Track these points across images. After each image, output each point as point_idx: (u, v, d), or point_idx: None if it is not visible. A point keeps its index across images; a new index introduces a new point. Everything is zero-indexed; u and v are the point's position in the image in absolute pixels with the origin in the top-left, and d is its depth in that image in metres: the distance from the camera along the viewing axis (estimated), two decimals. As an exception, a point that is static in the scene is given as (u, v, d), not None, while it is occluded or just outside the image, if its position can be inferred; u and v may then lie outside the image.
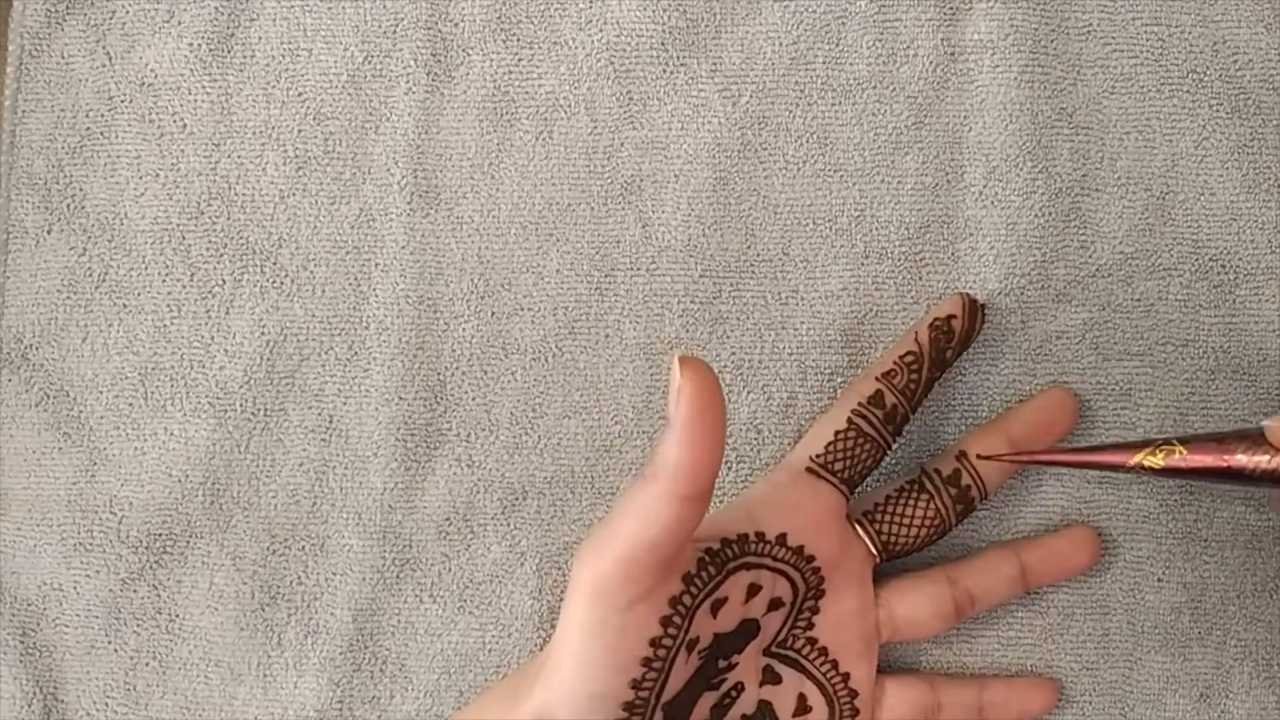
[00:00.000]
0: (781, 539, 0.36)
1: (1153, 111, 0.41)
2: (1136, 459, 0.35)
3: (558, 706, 0.33)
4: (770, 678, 0.37)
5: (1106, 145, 0.41)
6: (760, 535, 0.36)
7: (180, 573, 0.43)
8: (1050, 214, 0.41)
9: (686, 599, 0.34)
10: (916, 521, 0.38)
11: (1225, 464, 0.35)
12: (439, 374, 0.42)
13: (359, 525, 0.42)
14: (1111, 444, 0.36)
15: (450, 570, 0.42)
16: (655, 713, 0.34)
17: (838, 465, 0.38)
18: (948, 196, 0.42)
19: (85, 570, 0.43)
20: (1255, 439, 0.34)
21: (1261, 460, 0.34)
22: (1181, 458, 0.35)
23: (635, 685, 0.33)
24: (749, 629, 0.36)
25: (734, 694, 0.37)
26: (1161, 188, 0.41)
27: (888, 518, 0.38)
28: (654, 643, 0.33)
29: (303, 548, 0.42)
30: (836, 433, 0.38)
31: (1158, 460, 0.35)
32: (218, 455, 0.43)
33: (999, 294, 0.41)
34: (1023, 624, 0.41)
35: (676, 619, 0.34)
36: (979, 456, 0.38)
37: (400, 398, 0.42)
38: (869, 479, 0.41)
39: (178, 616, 0.43)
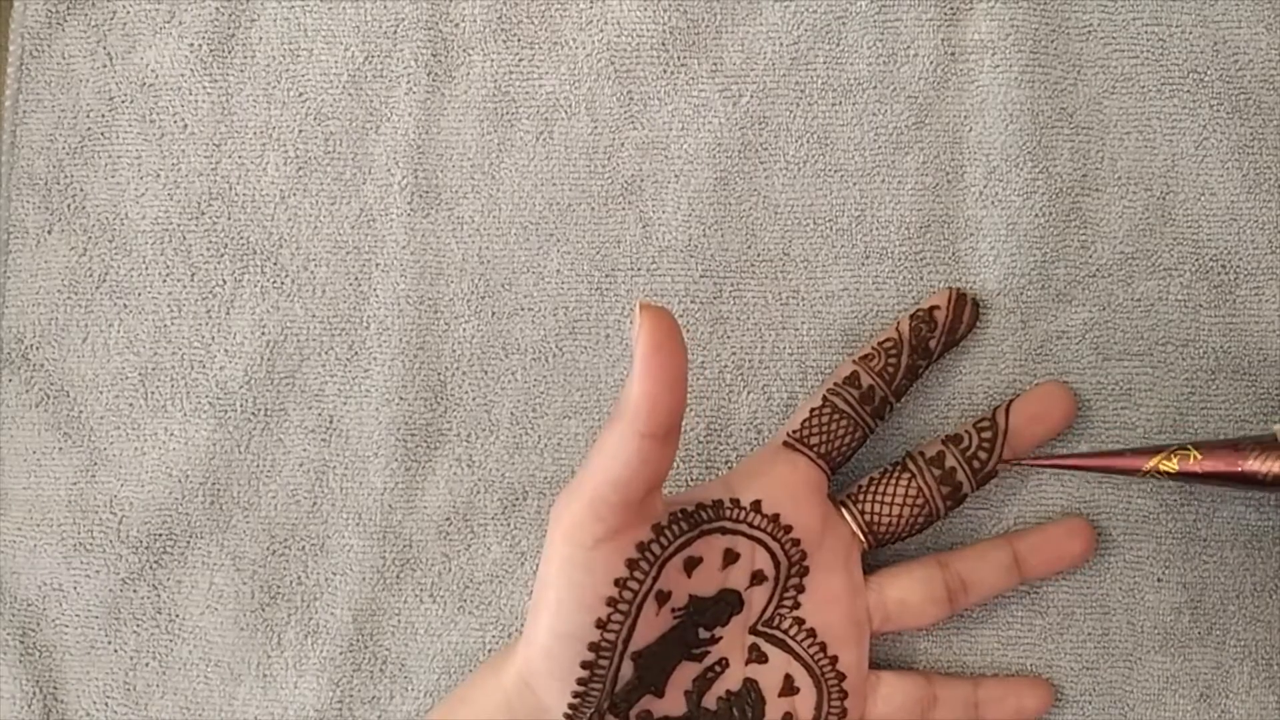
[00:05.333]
0: (756, 505, 0.37)
1: (1153, 111, 0.41)
2: (1152, 463, 0.36)
3: (536, 658, 0.35)
4: (757, 656, 0.38)
5: (1106, 145, 0.41)
6: (735, 501, 0.37)
7: (180, 573, 0.43)
8: (1050, 214, 0.41)
9: (655, 548, 0.35)
10: (898, 500, 0.39)
11: (1238, 469, 0.35)
12: (439, 374, 0.42)
13: (359, 525, 0.42)
14: (1127, 449, 0.37)
15: (450, 570, 0.42)
16: (623, 660, 0.35)
17: (813, 440, 0.39)
18: (948, 196, 0.42)
19: (85, 570, 0.43)
20: (1268, 444, 0.35)
21: (1275, 466, 0.35)
22: (1196, 463, 0.36)
23: (601, 625, 0.34)
24: (730, 599, 0.37)
25: (718, 668, 0.37)
26: (1161, 188, 0.41)
27: (869, 497, 0.39)
28: (619, 583, 0.34)
29: (303, 548, 0.42)
30: (812, 410, 0.39)
31: (1172, 465, 0.36)
32: (218, 455, 0.43)
33: (999, 294, 0.41)
34: (1022, 623, 0.41)
35: (644, 564, 0.35)
36: (1001, 462, 0.39)
37: (400, 398, 0.42)
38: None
39: (178, 616, 0.43)
